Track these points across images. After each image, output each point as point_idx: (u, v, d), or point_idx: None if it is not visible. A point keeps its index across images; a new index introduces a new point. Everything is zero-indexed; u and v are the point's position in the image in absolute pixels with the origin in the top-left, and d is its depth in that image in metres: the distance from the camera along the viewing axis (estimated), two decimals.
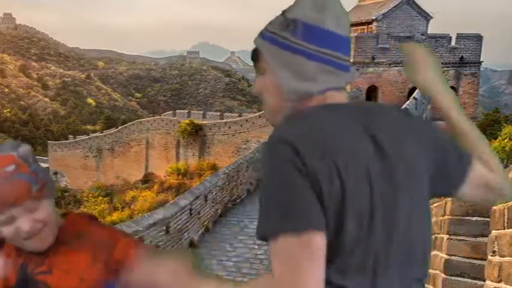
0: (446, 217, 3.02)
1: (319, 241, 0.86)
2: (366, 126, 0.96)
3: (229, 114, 55.08)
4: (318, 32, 0.99)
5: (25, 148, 1.18)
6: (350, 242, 0.89)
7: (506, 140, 16.62)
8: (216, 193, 9.42)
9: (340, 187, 0.88)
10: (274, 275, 0.90)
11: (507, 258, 2.20)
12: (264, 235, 0.93)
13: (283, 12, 1.04)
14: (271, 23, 1.06)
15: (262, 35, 1.06)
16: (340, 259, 0.90)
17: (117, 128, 50.93)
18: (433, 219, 3.22)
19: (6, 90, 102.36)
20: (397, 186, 0.95)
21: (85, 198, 37.61)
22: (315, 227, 0.86)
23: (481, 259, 2.63)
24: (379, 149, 0.95)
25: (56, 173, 50.94)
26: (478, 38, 25.57)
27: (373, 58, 25.28)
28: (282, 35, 1.01)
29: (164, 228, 7.12)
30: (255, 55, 1.08)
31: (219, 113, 53.11)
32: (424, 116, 21.23)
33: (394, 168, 0.95)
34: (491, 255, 2.40)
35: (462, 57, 25.09)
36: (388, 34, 25.36)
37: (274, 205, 0.89)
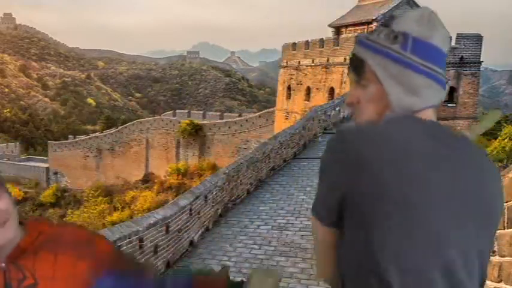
0: None
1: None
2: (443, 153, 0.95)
3: (229, 114, 55.09)
4: (427, 47, 0.99)
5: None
6: None
7: (506, 140, 16.60)
8: (216, 193, 9.41)
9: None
10: None
11: (507, 258, 2.20)
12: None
13: (387, 23, 1.04)
14: (374, 33, 1.05)
15: (364, 43, 1.05)
16: None
17: (117, 128, 50.93)
18: None
19: (6, 90, 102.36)
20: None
21: (85, 198, 37.58)
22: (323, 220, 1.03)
23: None
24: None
25: (56, 173, 50.93)
26: (478, 38, 25.57)
27: None
28: (389, 47, 1.01)
29: (164, 228, 7.11)
30: (359, 64, 1.06)
31: (219, 113, 53.14)
32: None
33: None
34: (491, 255, 2.40)
35: (462, 57, 25.10)
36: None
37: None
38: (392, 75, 1.00)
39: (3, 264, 1.11)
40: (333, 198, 0.96)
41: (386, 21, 1.04)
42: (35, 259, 1.11)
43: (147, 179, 40.68)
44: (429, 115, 1.01)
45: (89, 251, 1.15)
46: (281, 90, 32.20)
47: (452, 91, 25.44)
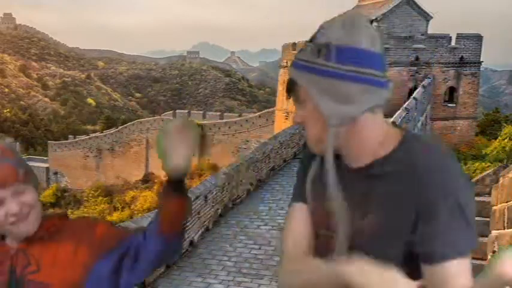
0: None
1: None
2: None
3: (229, 114, 55.08)
4: (351, 52, 0.98)
5: (10, 141, 1.25)
6: None
7: (506, 140, 16.62)
8: (216, 193, 9.41)
9: None
10: None
11: None
12: None
13: (312, 38, 1.04)
14: (301, 52, 1.05)
15: (295, 64, 1.06)
16: None
17: (117, 128, 50.92)
18: None
19: (6, 90, 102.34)
20: None
21: (85, 198, 37.59)
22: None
23: (481, 259, 2.62)
24: None
25: (56, 173, 50.92)
26: (478, 38, 25.55)
27: None
28: (315, 62, 1.00)
29: None
30: (292, 86, 1.07)
31: (219, 113, 53.13)
32: (424, 115, 21.23)
33: None
34: (491, 255, 2.39)
35: (462, 57, 25.08)
36: (388, 34, 25.33)
37: None
38: (322, 89, 1.00)
39: (12, 251, 1.23)
40: None
41: (313, 35, 1.04)
42: (42, 248, 1.23)
43: (147, 179, 40.66)
44: (377, 118, 1.02)
45: (88, 235, 1.24)
46: (281, 90, 32.17)
47: (452, 91, 25.43)
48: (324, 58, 0.99)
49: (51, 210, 42.48)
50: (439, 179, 0.94)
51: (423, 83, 22.94)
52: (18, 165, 1.20)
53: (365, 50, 0.98)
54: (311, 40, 1.04)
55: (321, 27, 1.03)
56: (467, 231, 0.94)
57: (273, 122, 34.32)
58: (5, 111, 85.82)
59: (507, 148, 16.01)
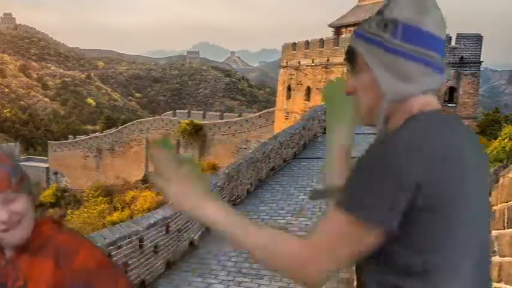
0: None
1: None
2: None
3: (229, 114, 55.08)
4: (418, 33, 0.98)
5: (10, 146, 1.22)
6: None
7: (506, 140, 16.60)
8: (216, 193, 9.40)
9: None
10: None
11: (507, 258, 2.20)
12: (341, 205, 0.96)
13: (380, 11, 1.04)
14: (367, 22, 1.06)
15: (358, 34, 1.06)
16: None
17: (117, 128, 50.92)
18: None
19: (6, 90, 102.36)
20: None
21: (85, 198, 37.58)
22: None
23: None
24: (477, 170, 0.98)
25: (56, 173, 50.91)
26: (478, 38, 25.57)
27: None
28: (381, 35, 1.01)
29: (164, 228, 7.11)
30: (352, 54, 1.07)
31: (219, 113, 53.10)
32: None
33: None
34: (491, 255, 2.40)
35: (462, 57, 25.09)
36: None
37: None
38: (383, 63, 1.00)
39: (3, 262, 1.21)
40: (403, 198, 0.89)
41: (381, 8, 1.04)
42: (29, 262, 1.20)
43: (147, 179, 40.66)
44: (429, 99, 1.02)
45: (68, 262, 1.19)
46: (281, 90, 32.19)
47: (452, 91, 25.44)
48: (390, 34, 0.99)
49: (51, 211, 42.45)
50: (379, 147, 0.94)
51: None
52: (13, 172, 1.18)
53: (431, 32, 0.99)
54: (378, 13, 1.04)
55: (390, 2, 1.03)
56: (360, 192, 0.92)
57: (273, 122, 34.32)
58: (5, 111, 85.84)
59: (507, 148, 15.99)
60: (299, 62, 30.77)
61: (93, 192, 37.61)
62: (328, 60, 28.10)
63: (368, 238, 0.92)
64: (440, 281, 0.92)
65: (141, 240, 6.34)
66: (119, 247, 5.75)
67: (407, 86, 0.99)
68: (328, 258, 0.95)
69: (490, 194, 1.22)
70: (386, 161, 0.90)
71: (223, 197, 9.73)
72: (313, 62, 29.49)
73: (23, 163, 57.08)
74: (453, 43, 25.32)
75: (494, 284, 2.28)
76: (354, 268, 1.04)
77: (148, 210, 22.71)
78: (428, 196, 0.88)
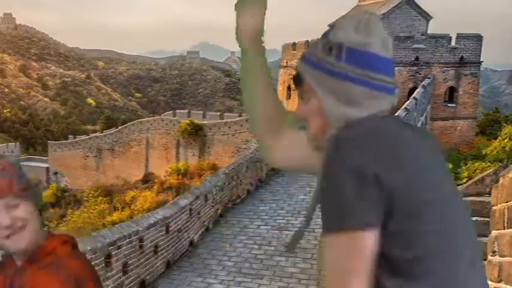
0: None
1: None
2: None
3: (229, 114, 55.05)
4: (362, 55, 0.96)
5: (17, 159, 1.25)
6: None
7: (506, 140, 16.60)
8: (216, 193, 9.41)
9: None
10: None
11: (507, 258, 2.20)
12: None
13: (325, 34, 1.02)
14: (313, 45, 1.04)
15: (304, 58, 1.05)
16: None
17: (117, 128, 50.90)
18: None
19: (6, 90, 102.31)
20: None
21: (85, 198, 37.56)
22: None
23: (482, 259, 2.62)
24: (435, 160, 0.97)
25: (56, 173, 50.91)
26: (478, 38, 25.55)
27: None
28: (326, 59, 0.99)
29: (164, 228, 7.11)
30: (299, 79, 1.06)
31: (219, 113, 53.06)
32: (424, 115, 21.22)
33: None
34: (491, 255, 2.40)
35: (462, 57, 25.08)
36: (388, 34, 25.34)
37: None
38: (328, 88, 0.98)
39: (12, 271, 1.23)
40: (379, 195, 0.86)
41: (326, 32, 1.03)
42: (35, 276, 1.20)
43: (147, 179, 40.65)
44: None
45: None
46: (281, 90, 32.18)
47: (452, 91, 25.43)
48: (335, 57, 0.98)
49: (51, 211, 42.45)
50: (331, 155, 0.91)
51: (423, 83, 22.95)
52: (17, 178, 1.19)
53: (376, 54, 0.97)
54: (323, 36, 1.03)
55: (335, 24, 1.01)
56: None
57: None
58: (5, 111, 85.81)
59: (507, 148, 15.99)
60: None
61: (93, 192, 37.57)
62: None
63: (368, 243, 0.87)
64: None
65: (141, 240, 6.34)
66: (119, 247, 5.75)
67: (353, 110, 0.97)
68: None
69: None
70: (343, 166, 0.87)
71: (223, 197, 9.73)
72: None
73: (23, 163, 57.01)
74: (453, 43, 25.31)
75: (494, 284, 2.28)
76: None
77: (149, 210, 22.70)
78: (388, 184, 0.85)
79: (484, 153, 17.59)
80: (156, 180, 37.99)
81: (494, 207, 2.41)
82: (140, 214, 21.62)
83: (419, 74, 24.72)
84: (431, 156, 0.96)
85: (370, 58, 0.96)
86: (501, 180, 2.40)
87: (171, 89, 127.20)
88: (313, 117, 1.04)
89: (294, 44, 31.91)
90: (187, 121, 41.27)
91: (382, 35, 0.99)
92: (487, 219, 2.73)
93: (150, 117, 59.91)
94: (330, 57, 0.98)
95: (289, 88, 31.26)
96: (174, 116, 48.35)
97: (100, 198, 35.88)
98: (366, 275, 0.88)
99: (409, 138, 0.93)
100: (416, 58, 24.82)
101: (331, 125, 1.00)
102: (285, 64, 32.46)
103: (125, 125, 49.39)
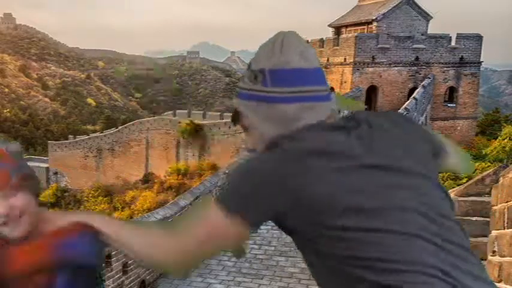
0: None
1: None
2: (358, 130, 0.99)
3: (229, 114, 54.88)
4: (283, 73, 0.98)
5: (15, 146, 1.24)
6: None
7: (506, 140, 16.61)
8: (216, 193, 9.39)
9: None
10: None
11: (507, 258, 2.20)
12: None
13: (248, 65, 1.04)
14: (241, 80, 1.06)
15: (238, 94, 1.07)
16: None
17: (117, 128, 50.89)
18: None
19: (6, 90, 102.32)
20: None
21: (85, 198, 37.58)
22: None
23: (481, 259, 2.63)
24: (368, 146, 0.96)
25: (56, 173, 50.92)
26: (478, 38, 25.57)
27: (373, 58, 25.28)
28: (253, 88, 1.01)
29: None
30: (238, 115, 1.09)
31: (219, 113, 53.07)
32: (424, 115, 21.23)
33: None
34: (491, 255, 2.40)
35: (462, 57, 25.09)
36: (388, 34, 25.34)
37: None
38: (263, 114, 1.01)
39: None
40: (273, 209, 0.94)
41: (249, 63, 1.05)
42: (16, 250, 1.20)
43: (147, 179, 40.65)
44: None
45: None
46: None
47: (452, 91, 25.46)
48: (261, 83, 1.00)
49: (51, 211, 42.46)
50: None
51: (423, 83, 22.97)
52: (14, 169, 1.18)
53: (296, 68, 0.98)
54: (247, 67, 1.05)
55: (254, 58, 1.04)
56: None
57: None
58: (5, 111, 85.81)
59: (507, 148, 16.00)
60: None
61: (93, 192, 37.61)
62: (328, 60, 28.10)
63: (225, 229, 0.95)
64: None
65: None
66: None
67: (291, 126, 0.98)
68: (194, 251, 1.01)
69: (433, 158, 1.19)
70: (255, 166, 0.97)
71: None
72: None
73: None
74: (453, 43, 25.33)
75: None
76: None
77: (149, 210, 22.70)
78: (294, 189, 0.90)
79: (484, 153, 17.61)
80: (156, 180, 38.00)
81: (494, 207, 2.42)
82: (140, 214, 21.64)
83: (419, 74, 24.73)
84: (386, 149, 0.95)
85: (293, 74, 0.98)
86: (501, 180, 2.40)
87: (171, 89, 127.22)
88: (259, 145, 1.07)
89: None
90: (187, 121, 41.27)
91: (299, 49, 1.00)
92: (487, 219, 2.74)
93: (150, 117, 59.89)
94: (257, 85, 1.00)
95: None
96: (174, 116, 48.35)
97: (100, 198, 35.92)
98: (204, 246, 0.99)
99: (338, 142, 0.94)
100: (416, 58, 24.82)
101: None
102: None
103: (125, 125, 49.38)
